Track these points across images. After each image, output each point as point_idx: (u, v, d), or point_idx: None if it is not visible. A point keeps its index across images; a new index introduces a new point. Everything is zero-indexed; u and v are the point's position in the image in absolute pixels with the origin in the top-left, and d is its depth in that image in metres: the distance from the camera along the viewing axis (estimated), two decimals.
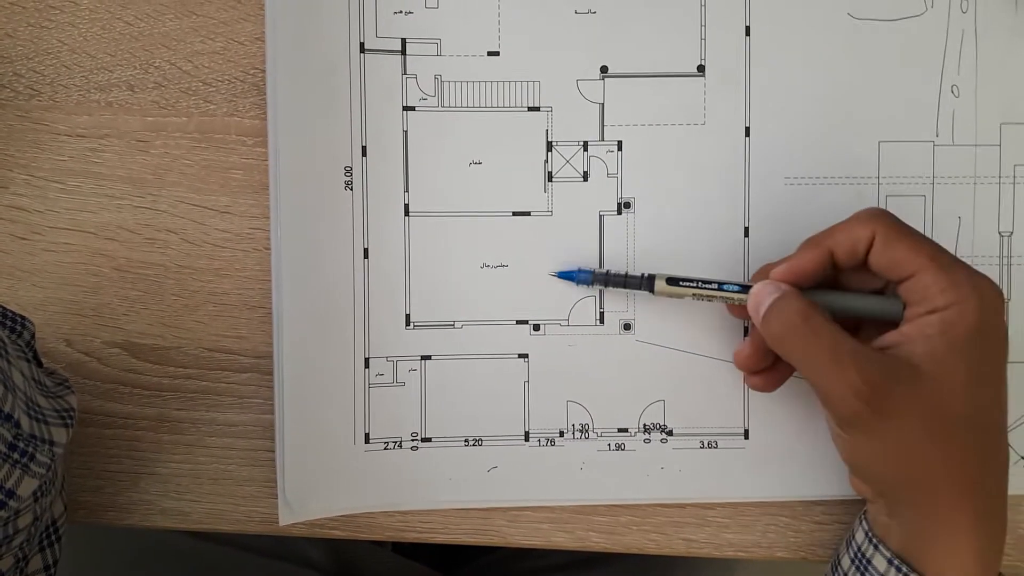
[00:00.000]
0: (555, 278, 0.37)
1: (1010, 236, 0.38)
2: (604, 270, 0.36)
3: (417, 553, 0.62)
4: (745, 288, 0.34)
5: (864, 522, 0.34)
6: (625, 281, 0.36)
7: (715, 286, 0.35)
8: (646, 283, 0.36)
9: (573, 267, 0.37)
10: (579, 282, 0.37)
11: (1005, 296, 0.38)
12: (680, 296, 0.35)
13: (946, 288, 0.30)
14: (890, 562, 0.32)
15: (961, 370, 0.30)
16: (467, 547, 0.61)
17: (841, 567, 0.34)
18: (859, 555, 0.33)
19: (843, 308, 0.33)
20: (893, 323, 0.32)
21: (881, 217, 0.32)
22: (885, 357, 0.31)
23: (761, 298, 0.33)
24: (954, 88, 0.38)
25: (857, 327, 0.34)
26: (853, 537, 0.34)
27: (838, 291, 0.34)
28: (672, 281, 0.35)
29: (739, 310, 0.35)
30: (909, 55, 0.37)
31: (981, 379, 0.31)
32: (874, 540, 0.33)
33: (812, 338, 0.31)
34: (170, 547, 0.51)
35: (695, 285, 0.35)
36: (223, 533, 0.50)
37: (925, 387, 0.30)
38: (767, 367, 0.35)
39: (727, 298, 0.35)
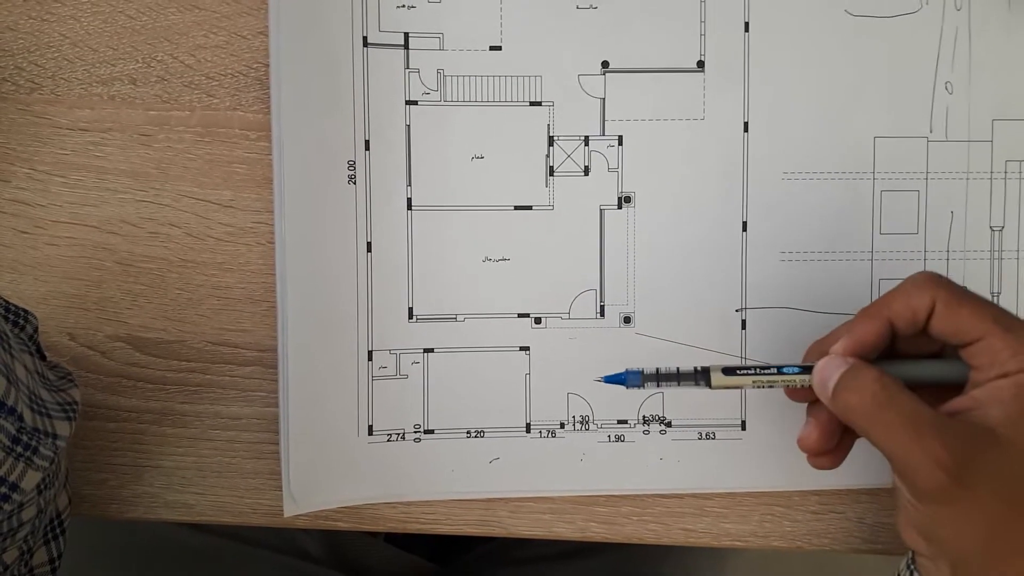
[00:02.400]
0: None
1: (1001, 231, 0.39)
2: (654, 369, 0.34)
3: (410, 544, 0.63)
4: (805, 369, 0.33)
5: (916, 574, 0.33)
6: (679, 378, 0.34)
7: (774, 371, 0.33)
8: (701, 376, 0.33)
9: (619, 371, 0.35)
10: (629, 385, 0.34)
11: (995, 290, 0.39)
12: (739, 387, 0.34)
13: (1017, 352, 0.30)
14: None
15: None
16: (461, 538, 0.62)
17: None
18: None
19: (907, 376, 0.31)
20: (953, 388, 0.32)
21: (939, 283, 0.31)
22: (964, 425, 0.30)
23: (828, 372, 0.32)
24: (948, 85, 0.38)
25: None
26: None
27: (899, 360, 0.33)
28: (729, 371, 0.33)
29: (800, 394, 0.34)
30: (904, 52, 0.38)
31: None
32: None
33: (889, 409, 0.30)
34: (170, 540, 0.51)
35: (753, 372, 0.33)
36: (222, 526, 0.50)
37: (1005, 454, 0.29)
38: (834, 446, 0.34)
39: (788, 381, 0.33)
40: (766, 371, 0.33)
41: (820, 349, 0.34)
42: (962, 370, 0.32)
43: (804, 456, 0.38)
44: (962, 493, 0.29)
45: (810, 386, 0.33)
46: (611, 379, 0.34)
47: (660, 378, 0.34)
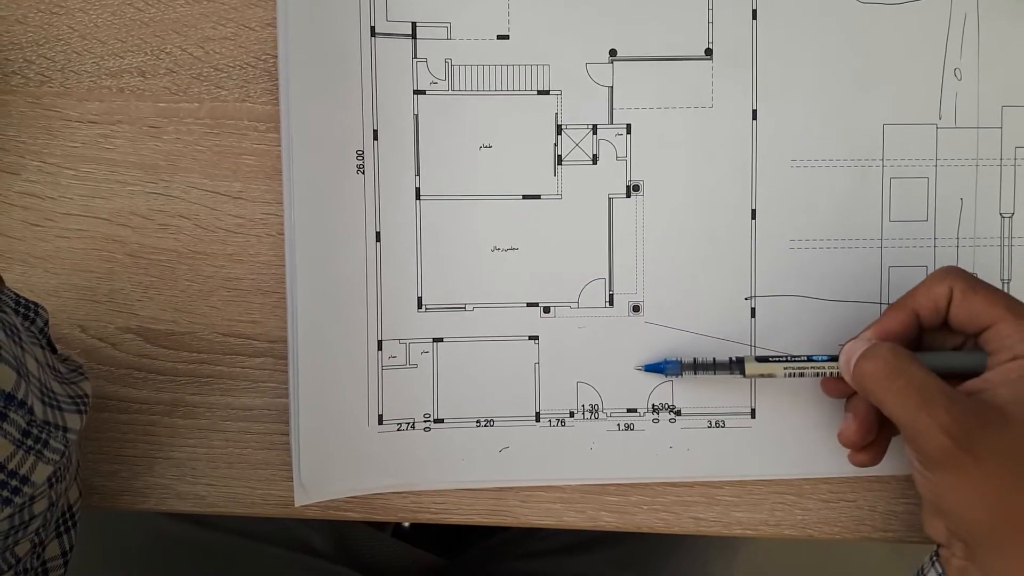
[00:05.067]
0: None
1: (1011, 218, 0.39)
2: (691, 359, 0.37)
3: (417, 539, 0.63)
4: (832, 357, 0.36)
5: (937, 564, 0.34)
6: (714, 367, 0.37)
7: (804, 358, 0.36)
8: (736, 366, 0.36)
9: (659, 357, 0.38)
10: (668, 373, 0.37)
11: (1006, 277, 0.39)
12: (771, 374, 0.36)
13: None
14: None
15: None
16: (466, 534, 0.62)
17: None
18: None
19: (929, 366, 0.33)
20: (976, 377, 0.33)
21: (955, 273, 0.34)
22: (973, 399, 0.32)
23: (852, 351, 0.34)
24: (957, 71, 0.38)
25: None
26: None
27: (922, 352, 0.35)
28: (761, 360, 0.36)
29: (834, 386, 0.36)
30: (913, 38, 0.38)
31: None
32: None
33: (901, 376, 0.32)
34: (176, 535, 0.51)
35: (785, 360, 0.36)
36: (228, 521, 0.50)
37: (1012, 431, 0.31)
38: (871, 441, 0.35)
39: (818, 368, 0.36)
40: (797, 359, 0.36)
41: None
42: (981, 359, 0.33)
43: (814, 443, 0.38)
44: (967, 460, 0.30)
45: (840, 375, 0.35)
46: (651, 367, 0.37)
47: (697, 367, 0.37)
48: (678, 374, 0.37)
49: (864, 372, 0.33)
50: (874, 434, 0.35)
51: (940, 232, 0.39)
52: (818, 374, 0.36)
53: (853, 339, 0.35)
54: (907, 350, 0.33)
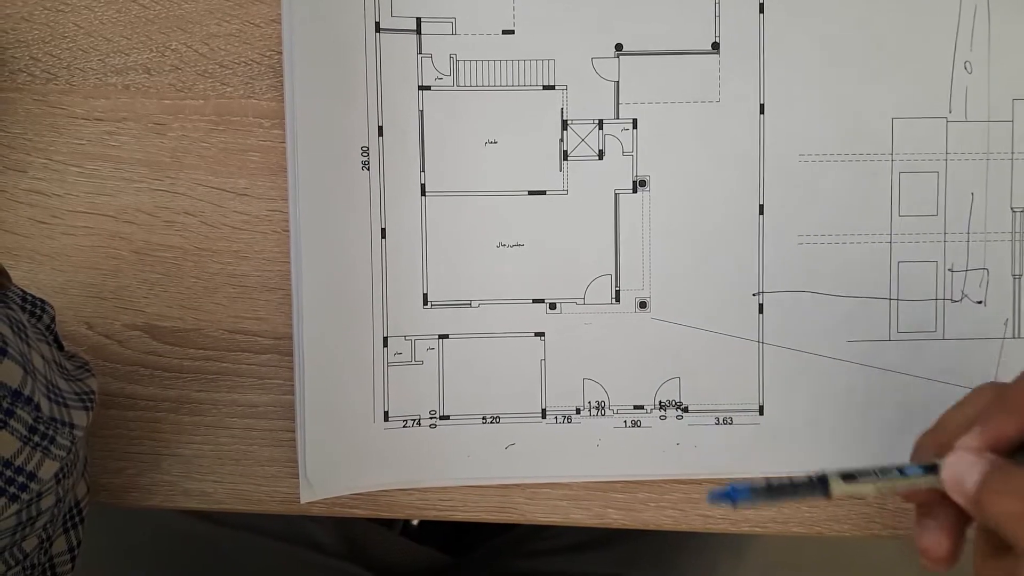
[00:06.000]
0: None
1: (1022, 212, 0.38)
2: (764, 482, 0.29)
3: (424, 538, 0.63)
4: (929, 468, 0.30)
5: None
6: (794, 490, 0.29)
7: (896, 473, 0.29)
8: (819, 487, 0.29)
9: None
10: (739, 503, 0.29)
11: (1017, 272, 0.38)
12: (861, 495, 0.29)
13: None
14: None
15: None
16: (474, 532, 0.62)
17: None
18: None
19: None
20: None
21: None
22: None
23: (962, 470, 0.29)
24: (967, 64, 0.38)
25: None
26: None
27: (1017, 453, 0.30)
28: (847, 477, 0.29)
29: (922, 494, 0.30)
30: (922, 31, 0.38)
31: None
32: None
33: None
34: (184, 531, 0.51)
35: (874, 476, 0.29)
36: (236, 517, 0.50)
37: None
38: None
39: (914, 484, 0.30)
40: (887, 474, 0.30)
41: (937, 440, 0.31)
42: None
43: (822, 440, 0.38)
44: None
45: (936, 488, 0.30)
46: (716, 496, 0.30)
47: (772, 492, 0.30)
48: (751, 501, 0.29)
49: (1006, 511, 0.28)
50: (963, 544, 0.31)
51: (950, 227, 0.38)
52: (914, 488, 0.30)
53: (939, 440, 0.30)
54: None
